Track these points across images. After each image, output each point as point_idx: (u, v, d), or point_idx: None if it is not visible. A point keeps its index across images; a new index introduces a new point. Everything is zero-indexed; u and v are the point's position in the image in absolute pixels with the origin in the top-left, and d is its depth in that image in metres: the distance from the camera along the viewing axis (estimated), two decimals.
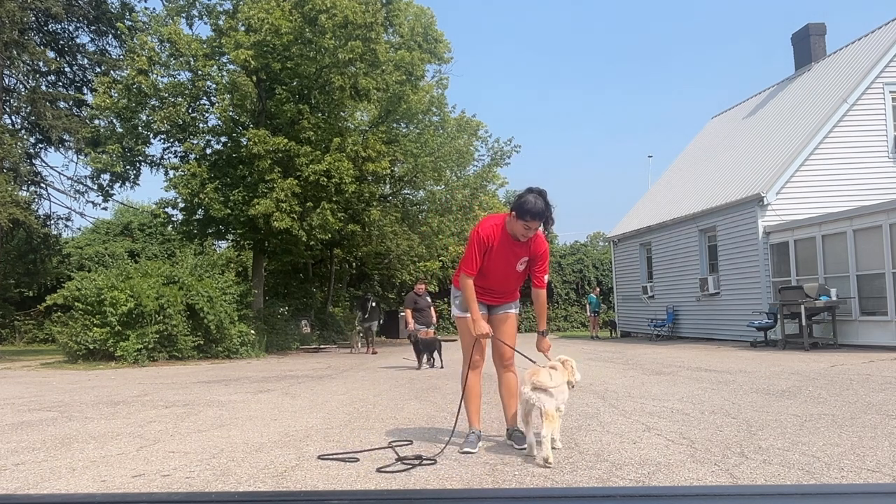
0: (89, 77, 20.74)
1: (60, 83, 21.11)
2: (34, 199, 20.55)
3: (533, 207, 4.06)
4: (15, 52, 18.38)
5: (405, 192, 21.18)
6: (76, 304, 13.70)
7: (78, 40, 21.10)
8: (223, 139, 17.63)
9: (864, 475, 3.36)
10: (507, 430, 4.44)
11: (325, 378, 9.77)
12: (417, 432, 4.90)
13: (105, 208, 37.97)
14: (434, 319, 12.20)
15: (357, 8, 14.64)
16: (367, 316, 16.99)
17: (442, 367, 10.82)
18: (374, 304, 17.73)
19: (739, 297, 15.86)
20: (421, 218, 21.06)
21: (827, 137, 15.16)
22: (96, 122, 17.91)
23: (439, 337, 12.27)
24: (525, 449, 4.05)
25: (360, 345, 17.38)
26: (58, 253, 22.16)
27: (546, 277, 4.47)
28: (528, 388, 3.92)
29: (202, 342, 14.35)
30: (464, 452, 4.10)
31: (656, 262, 20.43)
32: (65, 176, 25.61)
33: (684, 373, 8.96)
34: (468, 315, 4.31)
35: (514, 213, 4.13)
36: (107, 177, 17.83)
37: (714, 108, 56.50)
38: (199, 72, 16.37)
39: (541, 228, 4.22)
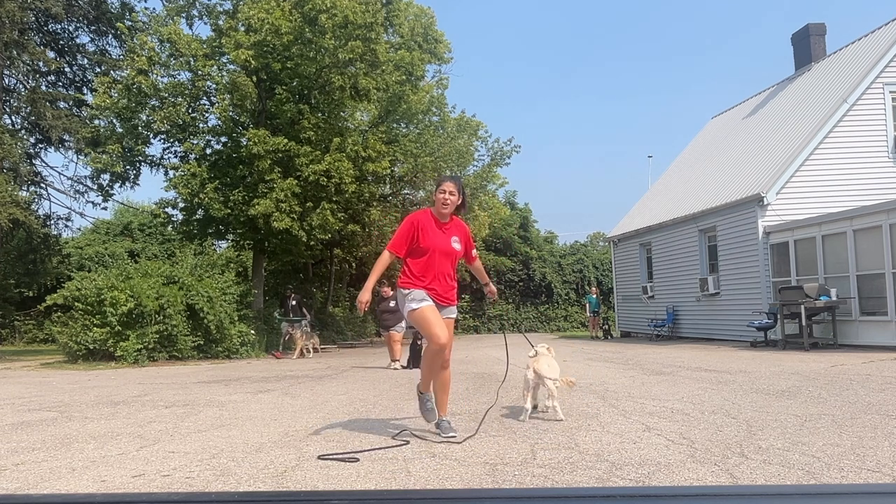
0: (89, 77, 20.73)
1: (60, 83, 21.10)
2: (34, 199, 20.55)
3: (449, 175, 5.13)
4: (15, 52, 18.37)
5: (405, 192, 21.17)
6: (76, 304, 13.70)
7: (78, 40, 21.10)
8: (223, 139, 17.62)
9: (864, 475, 3.36)
10: (437, 420, 4.80)
11: (325, 378, 9.77)
12: (417, 432, 4.90)
13: (105, 208, 37.97)
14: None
15: (357, 8, 14.63)
16: (291, 316, 15.91)
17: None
18: (294, 301, 16.42)
19: (739, 297, 15.86)
20: None
21: (827, 137, 15.16)
22: (96, 122, 17.90)
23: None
24: (453, 436, 4.56)
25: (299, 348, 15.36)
26: (58, 253, 22.14)
27: (475, 252, 5.07)
28: (532, 374, 5.23)
29: (202, 342, 14.34)
30: (428, 419, 4.74)
31: (656, 262, 20.43)
32: (65, 176, 25.63)
33: (684, 373, 8.96)
34: (423, 305, 4.57)
35: (434, 192, 4.84)
36: (107, 177, 17.82)
37: (714, 108, 56.51)
38: (199, 72, 16.36)
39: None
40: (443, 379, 4.79)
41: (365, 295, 4.58)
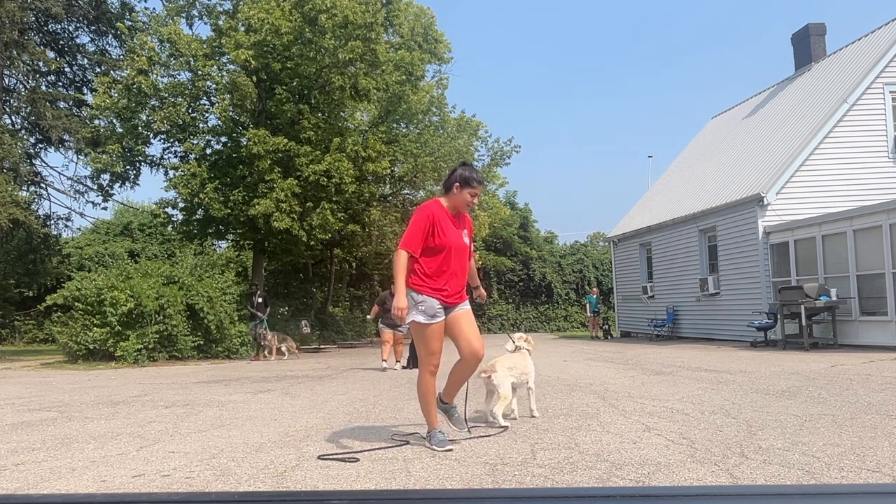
0: (89, 77, 20.75)
1: (60, 83, 21.11)
2: (34, 199, 20.56)
3: (478, 175, 4.49)
4: (15, 52, 18.38)
5: (405, 192, 21.19)
6: (76, 304, 13.70)
7: (78, 40, 21.13)
8: (223, 139, 17.64)
9: (864, 475, 3.36)
10: (445, 404, 4.64)
11: (325, 378, 9.77)
12: (417, 432, 4.90)
13: (105, 208, 37.98)
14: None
15: (357, 8, 14.64)
16: (257, 313, 15.36)
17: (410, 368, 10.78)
18: (261, 299, 15.64)
19: (739, 297, 15.85)
20: None
21: (827, 137, 15.16)
22: (96, 122, 17.92)
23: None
24: (459, 430, 4.63)
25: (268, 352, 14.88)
26: (58, 253, 22.15)
27: (472, 248, 4.85)
28: (487, 378, 5.12)
29: (202, 342, 14.35)
30: (447, 451, 4.18)
31: (656, 262, 20.42)
32: (65, 176, 25.65)
33: (684, 373, 8.96)
34: (433, 323, 4.32)
35: (457, 185, 4.42)
36: (107, 177, 17.85)
37: (714, 108, 56.51)
38: (199, 72, 16.37)
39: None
40: (468, 369, 4.53)
41: (402, 301, 4.27)
